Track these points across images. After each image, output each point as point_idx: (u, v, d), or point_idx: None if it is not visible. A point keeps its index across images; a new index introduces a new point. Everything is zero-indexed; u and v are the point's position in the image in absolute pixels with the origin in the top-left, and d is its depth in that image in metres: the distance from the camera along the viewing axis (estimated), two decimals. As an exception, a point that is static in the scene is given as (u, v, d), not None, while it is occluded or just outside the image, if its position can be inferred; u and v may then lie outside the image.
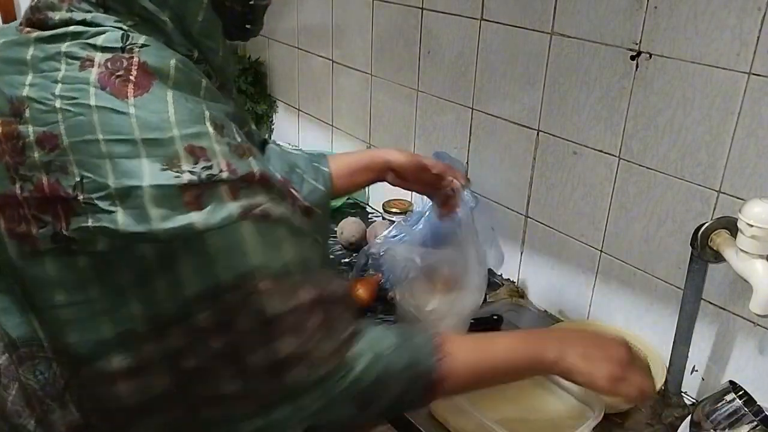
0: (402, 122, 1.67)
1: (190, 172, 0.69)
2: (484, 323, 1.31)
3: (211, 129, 0.72)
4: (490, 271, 1.52)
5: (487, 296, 1.44)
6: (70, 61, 0.71)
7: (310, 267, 0.78)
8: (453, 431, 1.05)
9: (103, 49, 0.72)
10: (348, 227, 1.58)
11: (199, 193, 0.69)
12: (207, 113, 0.73)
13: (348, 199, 1.84)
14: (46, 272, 0.72)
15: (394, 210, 1.61)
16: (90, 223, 0.69)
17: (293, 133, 2.14)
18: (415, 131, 1.63)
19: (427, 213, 1.42)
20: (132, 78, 0.70)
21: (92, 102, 0.69)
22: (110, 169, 0.68)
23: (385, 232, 1.46)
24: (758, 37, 0.96)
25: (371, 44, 1.70)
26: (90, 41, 0.72)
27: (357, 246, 1.52)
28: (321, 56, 1.91)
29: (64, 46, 0.72)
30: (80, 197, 0.69)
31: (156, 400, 0.76)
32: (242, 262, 0.72)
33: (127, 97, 0.69)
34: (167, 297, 0.71)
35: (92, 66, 0.70)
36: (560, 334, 1.07)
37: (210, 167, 0.70)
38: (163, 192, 0.68)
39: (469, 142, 1.49)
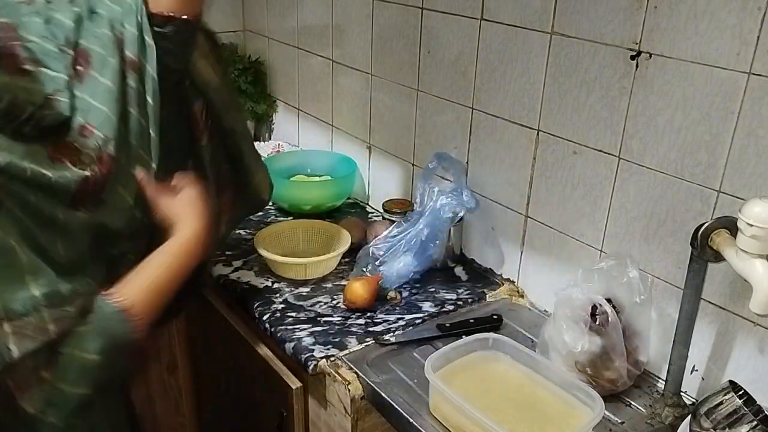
0: (402, 122, 1.67)
1: None
2: (484, 323, 1.31)
3: None
4: (490, 271, 1.52)
5: (487, 296, 1.44)
6: None
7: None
8: (453, 431, 1.05)
9: None
10: (348, 227, 1.58)
11: None
12: None
13: (348, 198, 1.84)
14: None
15: (394, 209, 1.61)
16: None
17: (293, 132, 2.15)
18: (415, 131, 1.64)
19: (427, 213, 1.43)
20: None
21: None
22: None
23: (385, 232, 1.46)
24: (758, 37, 0.96)
25: (371, 44, 1.70)
26: None
27: (357, 245, 1.52)
28: (321, 56, 1.91)
29: None
30: None
31: None
32: None
33: None
34: None
35: None
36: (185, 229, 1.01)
37: None
38: None
39: (469, 142, 1.49)
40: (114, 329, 0.84)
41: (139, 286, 0.90)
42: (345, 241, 1.51)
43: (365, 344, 1.25)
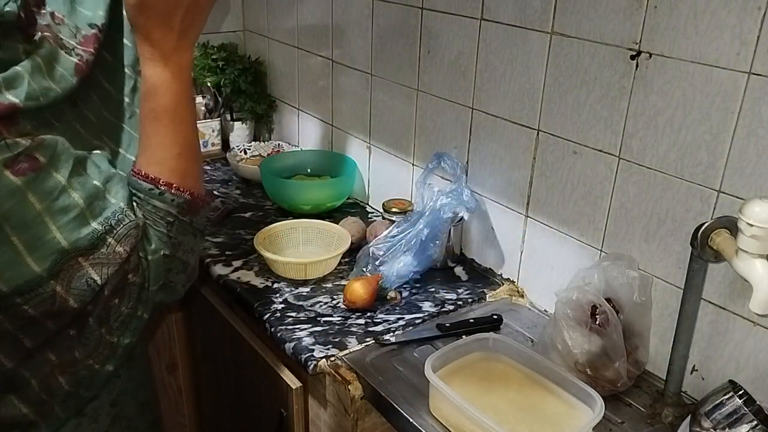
0: (402, 122, 1.67)
1: None
2: (484, 323, 1.31)
3: None
4: (490, 271, 1.52)
5: (487, 296, 1.44)
6: None
7: (108, 201, 0.79)
8: (453, 431, 1.05)
9: None
10: (348, 227, 1.58)
11: None
12: None
13: (348, 198, 1.84)
14: None
15: (394, 210, 1.61)
16: None
17: (293, 132, 2.15)
18: (415, 131, 1.64)
19: (427, 213, 1.43)
20: None
21: None
22: None
23: (386, 232, 1.46)
24: (758, 37, 0.96)
25: (371, 44, 1.70)
26: None
27: (357, 245, 1.52)
28: (321, 56, 1.91)
29: None
30: None
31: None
32: (51, 246, 0.73)
33: None
34: None
35: None
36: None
37: None
38: None
39: (469, 141, 1.49)
40: (161, 207, 0.84)
41: (162, 165, 0.85)
42: (345, 241, 1.52)
43: (365, 344, 1.25)
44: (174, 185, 0.84)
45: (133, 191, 0.84)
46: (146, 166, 0.85)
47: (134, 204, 0.83)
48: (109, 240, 0.78)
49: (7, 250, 0.72)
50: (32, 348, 0.80)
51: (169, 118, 0.85)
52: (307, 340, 1.26)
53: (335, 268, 1.49)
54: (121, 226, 0.79)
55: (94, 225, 0.77)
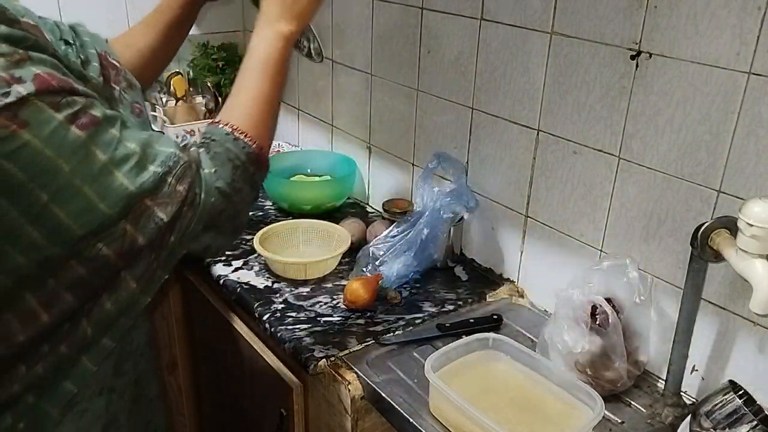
0: (402, 122, 1.67)
1: None
2: (484, 323, 1.31)
3: None
4: (490, 270, 1.52)
5: (487, 296, 1.44)
6: None
7: (158, 148, 0.85)
8: (453, 431, 1.05)
9: None
10: (348, 227, 1.58)
11: (15, 114, 0.74)
12: None
13: (348, 198, 1.84)
14: None
15: (394, 209, 1.62)
16: None
17: (293, 133, 2.15)
18: (415, 131, 1.64)
19: (427, 213, 1.43)
20: None
21: None
22: None
23: (386, 232, 1.46)
24: (758, 37, 0.96)
25: (371, 44, 1.70)
26: None
27: (357, 245, 1.52)
28: (321, 56, 1.91)
29: None
30: None
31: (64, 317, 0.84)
32: (119, 191, 0.80)
33: None
34: (50, 243, 0.79)
35: None
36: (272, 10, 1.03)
37: None
38: None
39: (469, 141, 1.49)
40: (232, 150, 0.91)
41: (240, 112, 0.96)
42: (345, 241, 1.52)
43: (365, 344, 1.25)
44: (248, 135, 0.93)
45: (211, 137, 0.92)
46: (228, 115, 0.95)
47: (203, 146, 0.91)
48: (170, 180, 0.84)
49: (80, 200, 0.78)
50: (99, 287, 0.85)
51: (258, 72, 0.98)
52: (307, 340, 1.26)
53: (335, 268, 1.49)
54: (178, 166, 0.85)
55: (153, 168, 0.83)
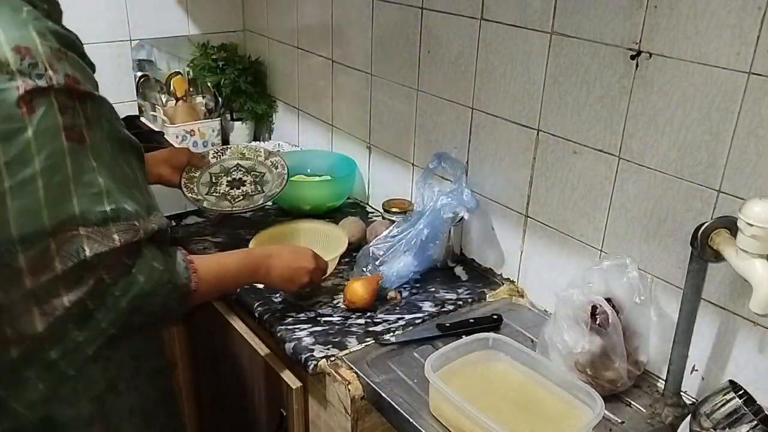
0: (402, 122, 1.67)
1: (19, 71, 0.80)
2: (484, 323, 1.31)
3: (34, 33, 0.83)
4: (490, 270, 1.52)
5: (487, 296, 1.44)
6: None
7: (120, 200, 0.88)
8: (453, 431, 1.05)
9: None
10: (348, 227, 1.58)
11: (30, 98, 0.80)
12: (31, 24, 0.84)
13: (348, 198, 1.84)
14: None
15: (394, 209, 1.61)
16: None
17: (293, 132, 2.15)
18: (415, 131, 1.64)
19: (427, 213, 1.43)
20: None
21: None
22: None
23: (386, 232, 1.46)
24: (758, 37, 0.96)
25: (371, 44, 1.70)
26: None
27: (357, 245, 1.52)
28: (321, 56, 1.91)
29: None
30: None
31: None
32: (65, 209, 0.83)
33: None
34: (2, 224, 0.83)
35: None
36: (270, 253, 1.24)
37: (35, 64, 0.81)
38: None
39: (469, 141, 1.49)
40: (176, 271, 0.97)
41: (208, 266, 1.05)
42: (342, 242, 1.51)
43: (365, 344, 1.25)
44: (197, 275, 1.00)
45: (169, 251, 0.98)
46: (198, 257, 1.04)
47: (160, 247, 0.95)
48: (111, 226, 0.87)
49: (31, 200, 0.82)
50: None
51: (239, 280, 1.19)
52: (307, 340, 1.26)
53: (335, 269, 1.49)
54: (126, 222, 0.88)
55: (107, 207, 0.86)
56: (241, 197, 1.53)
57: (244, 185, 1.56)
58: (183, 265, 0.99)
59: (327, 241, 1.56)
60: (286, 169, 1.59)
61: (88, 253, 0.84)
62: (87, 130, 0.85)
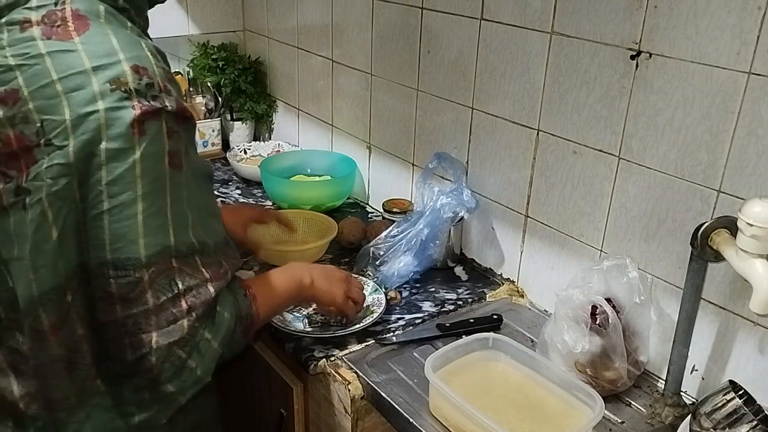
0: (402, 122, 1.67)
1: (137, 90, 0.79)
2: (484, 323, 1.31)
3: (148, 53, 0.83)
4: (490, 270, 1.52)
5: (487, 296, 1.44)
6: (9, 27, 0.81)
7: (205, 234, 0.87)
8: (453, 431, 1.05)
9: (38, 8, 0.81)
10: (348, 227, 1.58)
11: (143, 119, 0.79)
12: (142, 42, 0.84)
13: (348, 198, 1.84)
14: (9, 226, 0.80)
15: (394, 209, 1.61)
16: (44, 165, 0.77)
17: (293, 132, 2.15)
18: (415, 131, 1.63)
19: (427, 213, 1.43)
20: (70, 23, 0.80)
21: (43, 50, 0.78)
22: (66, 104, 0.77)
23: (386, 232, 1.46)
24: (758, 37, 0.96)
25: (371, 44, 1.70)
26: (26, 6, 0.82)
27: (357, 245, 1.52)
28: (321, 56, 1.91)
29: (3, 20, 0.81)
30: (41, 141, 0.77)
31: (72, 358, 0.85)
32: (161, 239, 0.81)
33: (72, 38, 0.79)
34: (78, 256, 0.81)
35: (31, 26, 0.80)
36: (307, 265, 1.21)
37: (152, 85, 0.80)
38: (113, 114, 0.78)
39: (469, 141, 1.49)
40: (237, 300, 0.94)
41: (261, 289, 1.01)
42: (332, 230, 1.53)
43: (365, 344, 1.25)
44: (254, 299, 0.98)
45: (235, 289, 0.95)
46: (250, 282, 1.02)
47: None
48: (197, 258, 0.86)
49: (128, 226, 0.79)
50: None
51: (286, 300, 1.13)
52: (307, 340, 1.25)
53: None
54: (210, 256, 0.88)
55: (193, 239, 0.85)
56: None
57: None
58: (242, 293, 0.96)
59: (322, 231, 1.57)
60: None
61: (180, 286, 0.83)
62: (185, 156, 0.84)
